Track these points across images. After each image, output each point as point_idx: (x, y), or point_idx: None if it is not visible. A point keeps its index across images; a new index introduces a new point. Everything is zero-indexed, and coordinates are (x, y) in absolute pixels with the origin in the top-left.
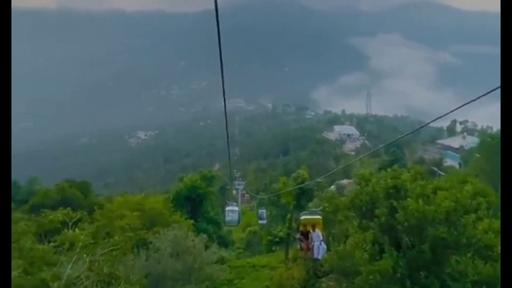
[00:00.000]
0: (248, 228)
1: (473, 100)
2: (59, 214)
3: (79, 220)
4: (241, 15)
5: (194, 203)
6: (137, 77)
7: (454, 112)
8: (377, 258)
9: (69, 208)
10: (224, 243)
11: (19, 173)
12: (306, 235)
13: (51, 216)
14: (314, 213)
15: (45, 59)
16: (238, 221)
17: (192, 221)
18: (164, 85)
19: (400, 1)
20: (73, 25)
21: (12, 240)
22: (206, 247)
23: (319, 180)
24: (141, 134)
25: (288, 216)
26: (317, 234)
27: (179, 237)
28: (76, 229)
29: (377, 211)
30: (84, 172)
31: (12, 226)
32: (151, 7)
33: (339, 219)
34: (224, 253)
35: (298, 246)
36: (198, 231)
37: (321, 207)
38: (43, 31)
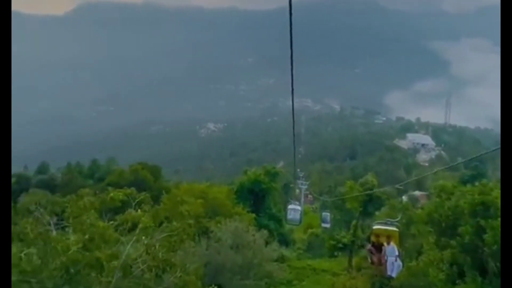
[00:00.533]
0: (310, 230)
1: None
2: (120, 193)
3: (143, 201)
4: (314, 13)
5: (257, 197)
6: (208, 71)
7: None
8: (456, 281)
9: (133, 188)
10: (284, 241)
11: (98, 153)
12: (378, 247)
13: (112, 194)
14: (390, 224)
15: (127, 50)
16: (300, 221)
17: (253, 215)
18: (233, 80)
19: (487, 2)
20: (156, 19)
21: (75, 214)
22: (267, 243)
23: (390, 188)
24: (211, 126)
25: (354, 222)
26: (392, 248)
27: (240, 229)
28: (139, 210)
29: (460, 229)
30: (156, 157)
31: (77, 201)
32: (226, 4)
33: (412, 233)
34: (284, 251)
35: (368, 258)
36: (259, 226)
37: (398, 218)
38: (128, 24)
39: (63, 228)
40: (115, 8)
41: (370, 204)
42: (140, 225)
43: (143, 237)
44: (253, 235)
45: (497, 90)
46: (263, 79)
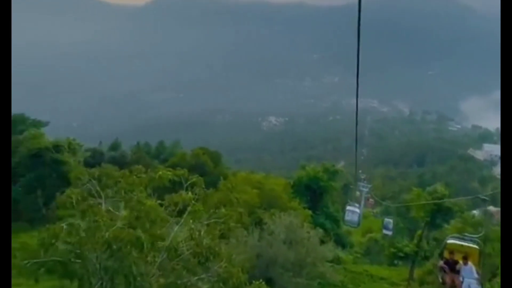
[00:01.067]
0: (369, 234)
1: None
2: (169, 173)
3: (195, 184)
4: (387, 9)
5: (314, 194)
6: (273, 65)
7: None
8: None
9: (185, 169)
10: (341, 242)
11: (165, 136)
12: (452, 265)
13: (160, 172)
14: (469, 240)
15: (197, 41)
16: (358, 223)
17: (310, 212)
18: (297, 76)
19: None
20: (226, 13)
21: (124, 190)
22: (322, 242)
23: (462, 200)
24: (272, 119)
25: (419, 232)
26: (471, 269)
27: (295, 225)
28: (189, 193)
29: None
30: (218, 145)
31: (129, 177)
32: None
33: (488, 252)
34: (340, 253)
35: (439, 277)
36: (314, 223)
37: (481, 234)
38: (200, 16)
39: (114, 203)
40: (188, 2)
41: (438, 215)
42: (189, 208)
43: (191, 221)
44: (308, 232)
45: None
46: (327, 76)
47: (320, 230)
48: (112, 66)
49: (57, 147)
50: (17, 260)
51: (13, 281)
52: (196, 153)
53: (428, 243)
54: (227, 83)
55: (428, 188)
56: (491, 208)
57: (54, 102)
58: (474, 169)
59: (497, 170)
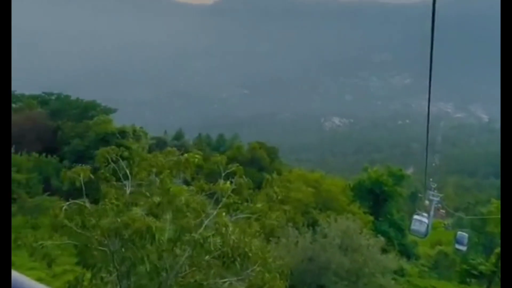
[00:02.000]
0: (439, 247)
1: None
2: (196, 156)
3: (235, 173)
4: (466, 5)
5: (377, 200)
6: (340, 64)
7: None
8: None
9: (224, 156)
10: (406, 253)
11: (228, 130)
12: None
13: (187, 155)
14: None
15: (265, 41)
16: (426, 234)
17: (371, 218)
18: (364, 76)
19: None
20: (293, 12)
21: (147, 173)
22: (384, 252)
23: None
24: (336, 120)
25: (497, 250)
26: None
27: (352, 230)
28: (227, 183)
29: None
30: (279, 144)
31: (148, 160)
32: None
33: None
34: (405, 264)
35: None
36: (376, 231)
37: None
38: (268, 16)
39: (139, 185)
40: (256, 0)
41: None
42: (224, 199)
43: (224, 213)
44: (367, 239)
45: None
46: (397, 77)
47: (382, 238)
48: (183, 63)
49: (123, 133)
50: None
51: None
52: (253, 147)
53: None
54: (293, 82)
55: None
56: None
57: (131, 94)
58: None
59: None
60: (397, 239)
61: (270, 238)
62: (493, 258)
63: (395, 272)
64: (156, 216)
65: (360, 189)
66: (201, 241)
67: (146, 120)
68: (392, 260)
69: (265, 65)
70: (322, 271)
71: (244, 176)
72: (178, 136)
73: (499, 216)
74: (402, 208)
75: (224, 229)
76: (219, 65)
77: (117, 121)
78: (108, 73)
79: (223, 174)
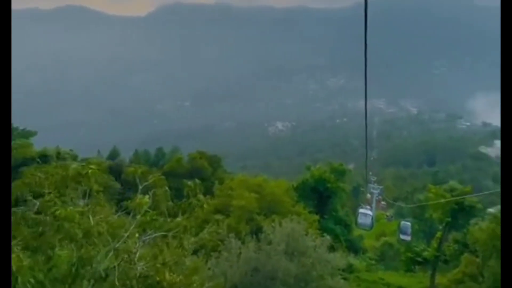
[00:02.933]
0: (383, 238)
1: None
2: (92, 167)
3: (155, 185)
4: (392, 7)
5: (321, 198)
6: (279, 71)
7: None
8: None
9: (140, 166)
10: (353, 248)
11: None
12: None
13: (77, 167)
14: None
15: (201, 50)
16: (371, 226)
17: (317, 217)
18: (302, 80)
19: None
20: (227, 19)
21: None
22: (332, 250)
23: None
24: (279, 125)
25: (438, 234)
26: None
27: (297, 232)
28: (145, 197)
29: None
30: (225, 153)
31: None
32: (296, 3)
33: None
34: (352, 260)
35: None
36: (323, 229)
37: None
38: (203, 24)
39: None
40: (191, 9)
41: (461, 214)
42: (139, 217)
43: (137, 235)
44: (314, 240)
45: None
46: (333, 79)
47: (328, 237)
48: (120, 78)
49: (44, 157)
50: None
51: None
52: (193, 157)
53: (449, 246)
54: (232, 90)
55: (444, 186)
56: None
57: (66, 114)
58: (486, 167)
59: None
60: (343, 235)
61: (212, 253)
62: (434, 243)
63: (343, 270)
64: (35, 251)
65: (304, 188)
66: (102, 274)
67: (81, 140)
68: (340, 258)
69: (205, 75)
70: (269, 281)
71: (168, 188)
72: (113, 154)
73: (437, 201)
74: (346, 203)
75: (126, 256)
76: (157, 78)
77: (50, 144)
78: (43, 93)
79: (140, 187)
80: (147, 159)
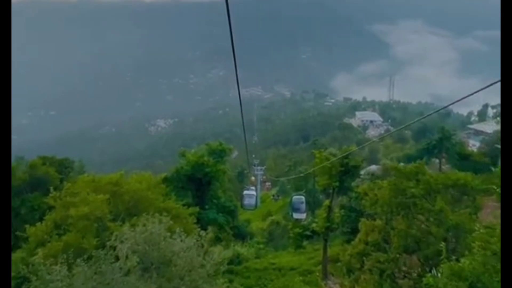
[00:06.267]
0: (270, 218)
1: (495, 83)
2: None
3: None
4: (257, 1)
5: (200, 186)
6: (155, 67)
7: (487, 96)
8: None
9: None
10: (240, 235)
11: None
12: None
13: None
14: None
15: (66, 50)
16: (256, 205)
17: (196, 209)
18: (181, 75)
19: None
20: (94, 16)
21: None
22: (219, 240)
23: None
24: (161, 123)
25: (326, 202)
26: None
27: (158, 236)
28: None
29: None
30: (105, 159)
31: None
32: None
33: None
34: (240, 248)
35: None
36: (204, 222)
37: None
38: (65, 22)
39: None
40: (50, 6)
41: (347, 177)
42: None
43: None
44: (183, 240)
45: (435, 68)
46: (212, 71)
47: (203, 233)
48: None
49: None
50: None
51: None
52: (33, 164)
53: (337, 214)
54: (109, 91)
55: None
56: (373, 166)
57: None
58: (351, 135)
59: (369, 133)
60: (227, 223)
61: None
62: (323, 213)
63: (231, 262)
64: None
65: (179, 179)
66: None
67: None
68: (222, 251)
69: (71, 78)
70: None
71: None
72: None
73: (317, 168)
74: (230, 188)
75: None
76: (14, 88)
77: None
78: None
79: None
80: None
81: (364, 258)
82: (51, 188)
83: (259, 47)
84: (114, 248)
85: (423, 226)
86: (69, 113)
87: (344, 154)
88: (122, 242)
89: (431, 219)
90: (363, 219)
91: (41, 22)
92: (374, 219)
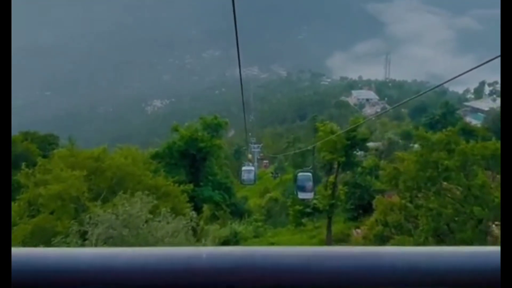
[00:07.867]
0: (268, 194)
1: (492, 59)
2: None
3: None
4: None
5: (195, 162)
6: (151, 47)
7: (483, 73)
8: None
9: None
10: (237, 212)
11: None
12: None
13: None
14: None
15: (60, 30)
16: (255, 180)
17: (190, 186)
18: (178, 54)
19: None
20: None
21: None
22: (216, 218)
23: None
24: (157, 103)
25: (330, 178)
26: None
27: (139, 219)
28: None
29: None
30: (101, 138)
31: None
32: None
33: None
34: (237, 227)
35: None
36: (199, 200)
37: None
38: (58, 4)
39: None
40: None
41: (352, 151)
42: None
43: None
44: (169, 222)
45: (431, 47)
46: (208, 51)
47: (194, 213)
48: None
49: None
50: None
51: None
52: (12, 140)
53: (341, 190)
54: (106, 72)
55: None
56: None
57: None
58: (347, 113)
59: (366, 111)
60: (224, 201)
61: None
62: (328, 189)
63: (228, 241)
64: None
65: (171, 155)
66: None
67: None
68: (218, 230)
69: (66, 59)
70: None
71: None
72: None
73: (323, 141)
74: (226, 163)
75: None
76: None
77: None
78: None
79: None
80: None
81: (387, 243)
82: (23, 164)
83: (255, 27)
84: (86, 233)
85: (457, 205)
86: (64, 93)
87: (353, 126)
88: (96, 225)
89: (470, 196)
90: (378, 196)
91: (32, 0)
92: (383, 196)
